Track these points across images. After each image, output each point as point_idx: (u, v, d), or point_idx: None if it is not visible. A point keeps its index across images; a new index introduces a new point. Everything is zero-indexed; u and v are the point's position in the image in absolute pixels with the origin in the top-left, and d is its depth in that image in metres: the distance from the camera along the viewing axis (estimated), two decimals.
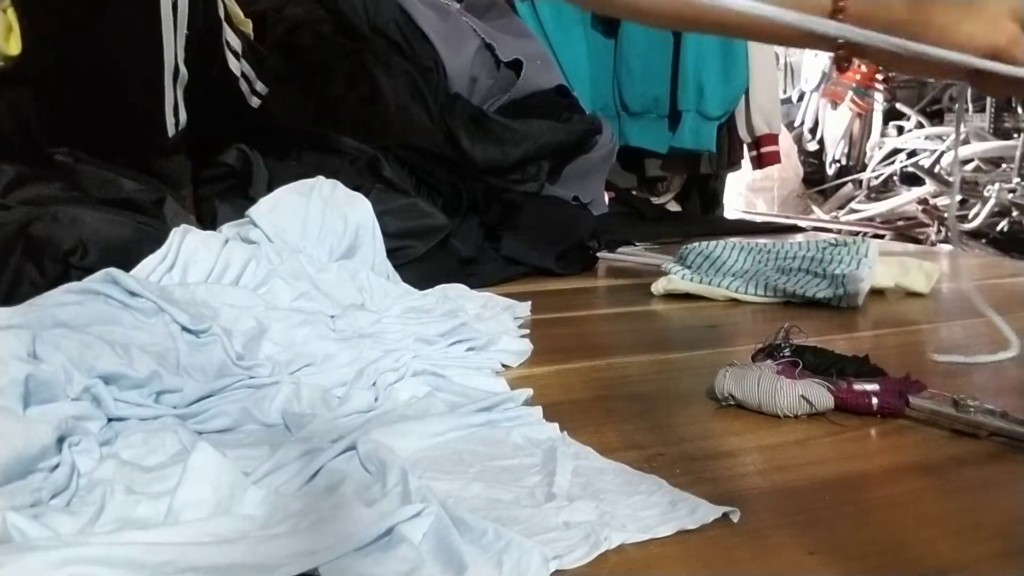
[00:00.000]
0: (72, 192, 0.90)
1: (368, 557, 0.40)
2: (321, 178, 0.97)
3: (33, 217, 0.82)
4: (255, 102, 1.17)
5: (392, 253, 1.01)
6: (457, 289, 0.96)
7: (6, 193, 0.87)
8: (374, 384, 0.64)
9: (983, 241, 3.43)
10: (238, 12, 1.14)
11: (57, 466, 0.48)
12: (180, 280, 0.80)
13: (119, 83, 0.99)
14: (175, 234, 0.84)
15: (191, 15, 1.00)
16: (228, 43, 1.08)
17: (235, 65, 1.10)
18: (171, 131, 1.03)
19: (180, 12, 0.98)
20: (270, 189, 0.98)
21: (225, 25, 1.08)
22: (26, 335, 0.56)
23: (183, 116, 1.03)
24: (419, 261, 1.06)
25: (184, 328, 0.67)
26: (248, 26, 1.17)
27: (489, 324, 0.83)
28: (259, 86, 1.16)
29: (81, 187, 0.91)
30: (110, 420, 0.56)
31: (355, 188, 0.99)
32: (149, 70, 0.99)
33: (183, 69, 1.01)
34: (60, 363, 0.55)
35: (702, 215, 2.09)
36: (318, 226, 0.91)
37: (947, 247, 3.22)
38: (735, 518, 0.45)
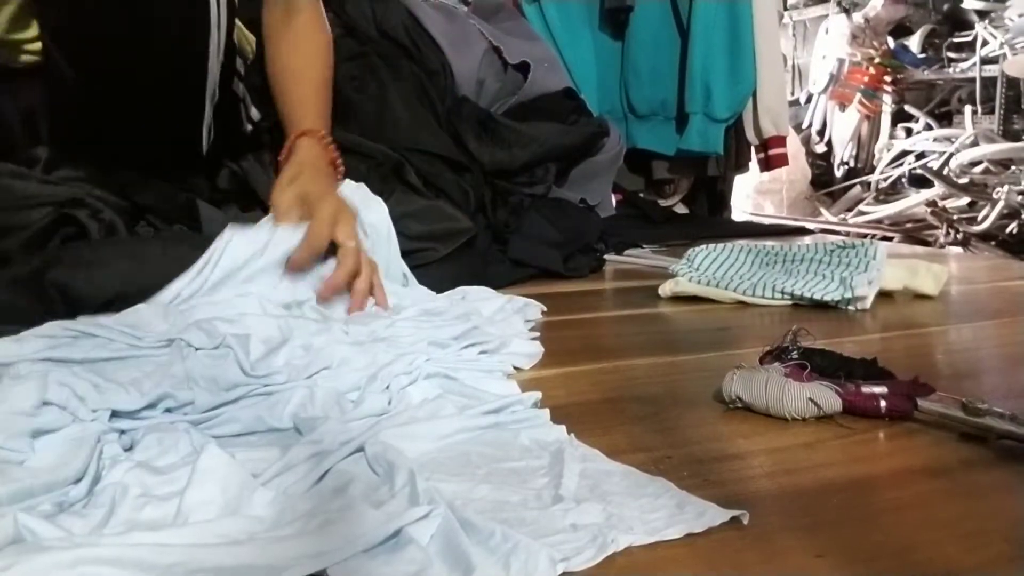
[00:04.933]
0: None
1: (376, 559, 0.40)
2: (348, 181, 0.97)
3: (50, 262, 0.76)
4: (247, 128, 1.17)
5: (413, 254, 1.00)
6: (477, 292, 0.96)
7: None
8: (387, 387, 0.64)
9: (992, 243, 3.42)
10: (243, 28, 1.15)
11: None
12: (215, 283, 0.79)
13: (164, 100, 0.99)
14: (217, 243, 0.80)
15: (227, 31, 1.01)
16: (236, 68, 1.10)
17: (240, 88, 1.11)
18: (204, 148, 1.03)
19: (221, 30, 0.99)
20: None
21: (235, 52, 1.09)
22: (36, 385, 0.55)
23: (212, 134, 1.04)
24: (443, 263, 1.06)
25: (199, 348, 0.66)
26: (252, 43, 1.18)
27: (501, 327, 0.83)
28: (253, 112, 1.17)
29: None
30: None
31: (379, 192, 0.99)
32: (194, 88, 0.99)
33: (218, 92, 1.02)
34: (73, 408, 0.54)
35: (709, 217, 2.09)
36: None
37: (956, 249, 3.21)
38: (745, 521, 0.45)
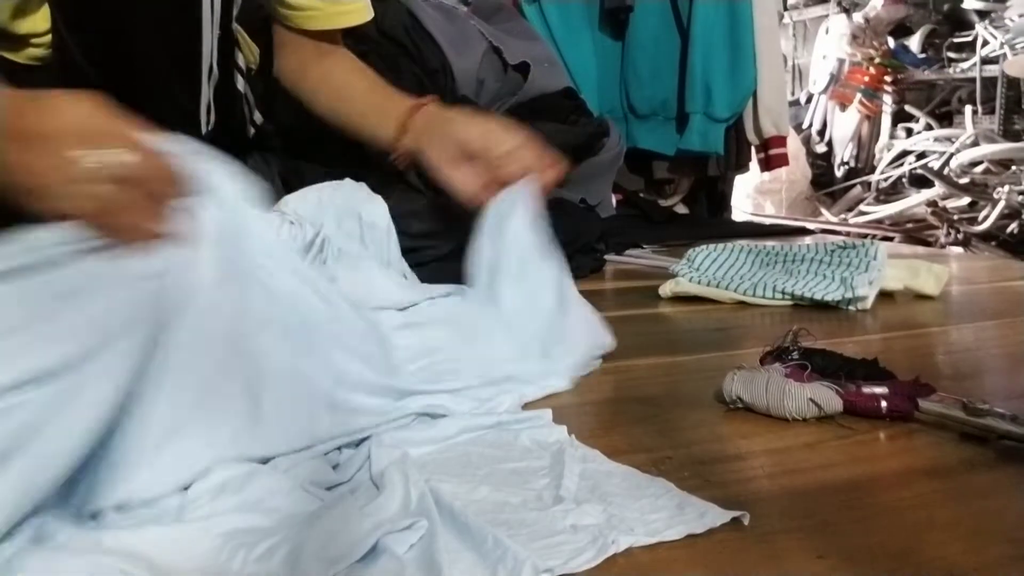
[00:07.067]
0: None
1: (353, 571, 0.39)
2: (348, 180, 0.97)
3: None
4: (250, 131, 1.17)
5: (413, 252, 1.00)
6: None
7: None
8: None
9: (993, 243, 3.41)
10: (246, 37, 1.15)
11: None
12: None
13: (158, 75, 0.98)
14: None
15: (222, 16, 1.01)
16: (237, 63, 1.09)
17: (241, 83, 1.10)
18: (204, 129, 1.03)
19: (215, 9, 0.99)
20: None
21: (237, 47, 1.09)
22: None
23: (214, 117, 1.04)
24: (444, 261, 1.06)
25: None
26: (256, 52, 1.18)
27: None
28: (257, 115, 1.16)
29: None
30: None
31: (379, 192, 0.99)
32: (189, 63, 0.99)
33: (215, 68, 1.02)
34: None
35: (710, 217, 2.08)
36: (334, 228, 0.91)
37: (957, 249, 3.21)
38: (745, 521, 0.45)
